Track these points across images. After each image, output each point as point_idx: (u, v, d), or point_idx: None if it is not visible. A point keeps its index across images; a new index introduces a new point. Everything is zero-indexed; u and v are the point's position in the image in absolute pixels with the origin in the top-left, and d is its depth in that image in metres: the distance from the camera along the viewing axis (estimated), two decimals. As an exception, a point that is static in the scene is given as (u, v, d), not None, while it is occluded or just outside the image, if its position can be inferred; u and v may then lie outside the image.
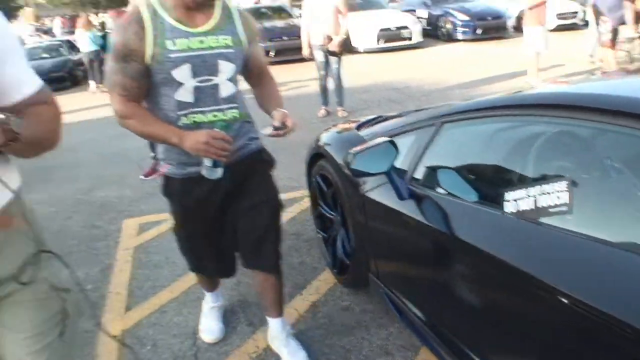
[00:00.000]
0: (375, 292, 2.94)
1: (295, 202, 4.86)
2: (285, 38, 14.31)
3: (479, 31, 15.59)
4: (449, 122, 2.37)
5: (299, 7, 23.14)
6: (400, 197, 2.31)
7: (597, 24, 9.06)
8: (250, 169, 2.45)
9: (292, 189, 5.14)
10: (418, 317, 2.40)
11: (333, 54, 7.67)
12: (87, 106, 11.20)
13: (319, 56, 7.81)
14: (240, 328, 3.10)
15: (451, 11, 16.59)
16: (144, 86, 2.20)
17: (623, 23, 8.45)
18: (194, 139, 2.11)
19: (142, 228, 4.77)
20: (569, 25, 15.86)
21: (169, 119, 2.22)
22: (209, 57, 2.18)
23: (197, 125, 2.21)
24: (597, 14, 8.97)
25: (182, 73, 2.15)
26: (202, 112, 2.23)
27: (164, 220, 4.80)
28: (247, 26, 2.32)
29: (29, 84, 1.48)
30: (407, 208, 2.31)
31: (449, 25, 16.42)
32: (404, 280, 2.62)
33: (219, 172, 2.17)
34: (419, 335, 2.42)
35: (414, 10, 17.94)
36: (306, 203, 4.44)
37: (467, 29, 15.86)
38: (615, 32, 8.63)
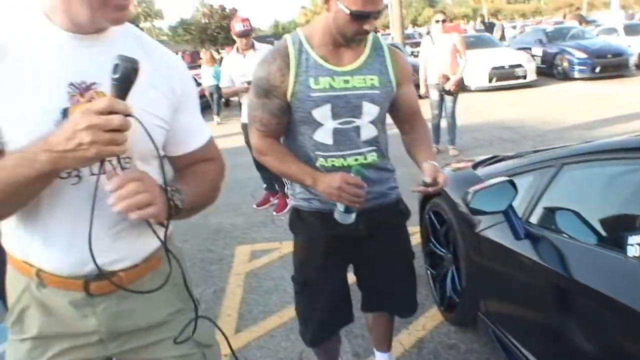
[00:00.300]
0: (483, 331, 2.91)
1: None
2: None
3: (597, 69, 14.93)
4: (570, 163, 2.36)
5: (411, 45, 23.49)
6: (517, 237, 2.31)
7: None
8: (385, 220, 2.29)
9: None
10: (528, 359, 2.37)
11: (449, 92, 7.68)
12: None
13: (434, 95, 7.85)
14: (346, 357, 3.16)
15: (568, 49, 16.04)
16: (284, 123, 2.13)
17: None
18: (327, 183, 2.01)
19: (253, 255, 4.98)
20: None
21: (306, 159, 2.14)
22: (353, 98, 2.05)
23: (334, 168, 2.11)
24: None
25: (322, 113, 2.04)
26: (341, 156, 2.11)
27: (275, 249, 5.00)
28: (398, 65, 2.17)
29: (201, 134, 1.54)
30: (524, 248, 2.30)
31: (565, 64, 15.86)
32: (516, 321, 2.58)
33: (351, 218, 2.06)
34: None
35: (529, 48, 17.54)
36: (416, 239, 4.46)
37: (584, 67, 15.25)
38: None
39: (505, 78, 14.61)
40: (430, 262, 3.69)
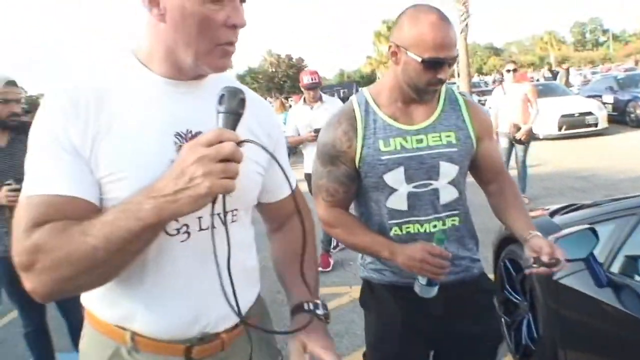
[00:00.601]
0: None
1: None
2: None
3: (672, 117, 14.54)
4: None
5: (477, 93, 23.52)
6: (599, 285, 2.32)
7: None
8: (469, 296, 2.01)
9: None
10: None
11: (520, 142, 7.67)
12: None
13: (504, 143, 7.84)
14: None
15: (641, 96, 15.72)
16: (352, 191, 1.99)
17: None
18: (408, 255, 1.81)
19: (324, 298, 5.03)
20: None
21: (378, 228, 1.98)
22: (428, 158, 1.88)
23: (409, 236, 1.93)
24: None
25: (395, 177, 1.88)
26: (417, 222, 1.92)
27: (345, 293, 5.07)
28: (476, 118, 1.99)
29: (291, 180, 1.41)
30: (606, 296, 2.31)
31: (638, 111, 15.51)
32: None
33: (433, 291, 1.86)
34: None
35: (599, 96, 17.23)
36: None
37: (659, 114, 14.86)
38: None
39: (575, 126, 14.36)
40: (505, 309, 3.68)
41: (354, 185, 1.97)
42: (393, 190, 1.90)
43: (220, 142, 1.03)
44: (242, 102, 1.12)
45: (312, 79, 5.74)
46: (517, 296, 3.49)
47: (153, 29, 1.23)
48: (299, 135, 5.86)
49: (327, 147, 1.95)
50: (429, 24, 1.75)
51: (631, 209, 2.50)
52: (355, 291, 4.94)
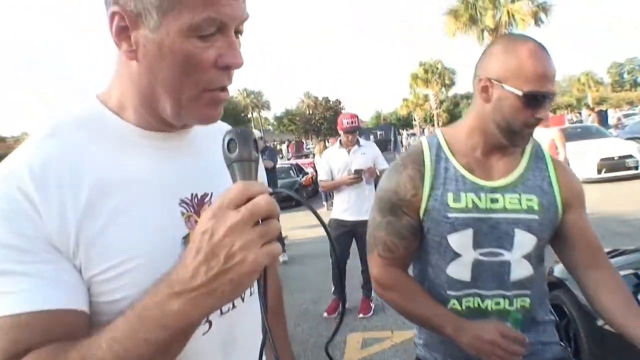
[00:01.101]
0: None
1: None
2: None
3: None
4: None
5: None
6: None
7: None
8: None
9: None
10: None
11: None
12: (316, 224, 12.11)
13: None
14: None
15: (682, 138, 15.52)
16: (413, 247, 1.72)
17: None
18: (477, 335, 1.54)
19: (365, 342, 5.14)
20: None
21: (434, 297, 1.69)
22: (503, 222, 1.61)
23: (470, 312, 1.66)
24: None
25: (461, 240, 1.62)
26: (478, 295, 1.66)
27: (387, 338, 5.12)
28: (565, 183, 1.70)
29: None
30: None
31: (679, 154, 15.30)
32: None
33: None
34: None
35: (639, 138, 17.05)
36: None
37: None
38: None
39: (615, 169, 14.21)
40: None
41: (416, 240, 1.71)
42: (456, 256, 1.64)
43: (249, 199, 0.80)
44: (256, 143, 0.90)
45: (351, 122, 5.75)
46: (561, 342, 3.50)
47: (124, 68, 0.98)
48: (332, 179, 5.86)
49: (388, 193, 1.70)
50: (529, 52, 1.51)
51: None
52: (397, 336, 5.01)
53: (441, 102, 61.11)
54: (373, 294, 6.09)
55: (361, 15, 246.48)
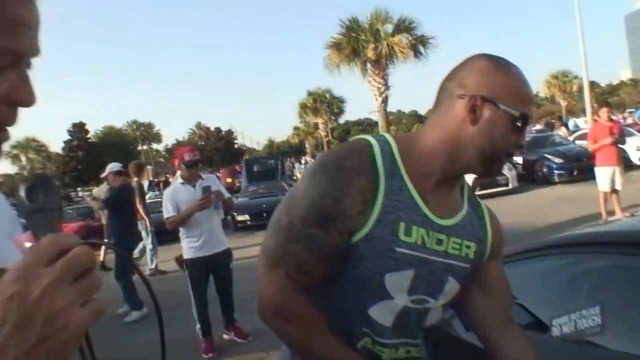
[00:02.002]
0: None
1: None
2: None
3: (575, 172, 15.61)
4: (509, 262, 2.71)
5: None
6: (466, 329, 2.60)
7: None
8: None
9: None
10: None
11: None
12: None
13: None
14: None
15: (546, 155, 16.91)
16: (327, 273, 1.34)
17: None
18: None
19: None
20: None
21: (339, 334, 1.37)
22: (440, 268, 1.39)
23: (377, 358, 1.42)
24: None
25: (398, 281, 1.34)
26: (393, 345, 1.42)
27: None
28: (495, 232, 1.54)
29: None
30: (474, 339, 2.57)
31: (545, 169, 16.64)
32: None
33: None
34: None
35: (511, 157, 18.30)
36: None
37: (562, 171, 16.02)
38: None
39: (488, 187, 15.19)
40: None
41: (335, 266, 1.33)
42: (387, 298, 1.35)
43: (62, 252, 0.66)
44: (59, 190, 0.79)
45: (193, 155, 5.62)
46: None
47: None
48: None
49: (325, 200, 1.28)
50: (519, 73, 1.36)
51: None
52: (272, 356, 5.08)
53: (332, 130, 62.34)
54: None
55: (249, 44, 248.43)
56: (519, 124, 1.32)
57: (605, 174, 9.22)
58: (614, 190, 9.25)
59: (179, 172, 5.76)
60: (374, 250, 1.30)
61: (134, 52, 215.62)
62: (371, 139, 1.38)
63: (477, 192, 14.70)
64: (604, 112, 9.53)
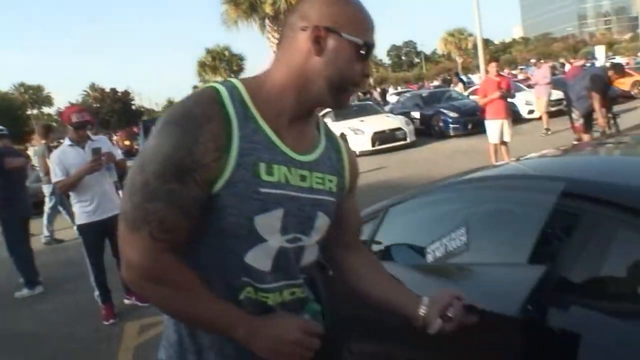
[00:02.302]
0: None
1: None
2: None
3: (469, 126, 16.29)
4: (392, 206, 2.85)
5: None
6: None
7: (571, 111, 9.69)
8: None
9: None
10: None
11: None
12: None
13: None
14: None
15: (442, 110, 17.57)
16: (193, 228, 1.29)
17: (592, 111, 9.03)
18: (277, 336, 1.30)
19: (142, 329, 5.15)
20: (555, 112, 16.35)
21: (220, 288, 1.34)
22: (308, 204, 1.39)
23: (263, 308, 1.37)
24: (569, 102, 9.64)
25: (269, 222, 1.32)
26: (277, 289, 1.39)
27: (163, 322, 5.17)
28: (352, 166, 1.57)
29: None
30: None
31: (441, 123, 17.30)
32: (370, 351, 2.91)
33: None
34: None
35: (408, 112, 18.87)
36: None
37: (458, 125, 16.71)
38: (587, 117, 9.23)
39: (387, 141, 15.66)
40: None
41: (199, 220, 1.29)
42: (260, 241, 1.33)
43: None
44: None
45: (81, 117, 5.39)
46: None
47: None
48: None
49: (178, 152, 1.23)
50: (358, 3, 1.37)
51: (380, 208, 2.96)
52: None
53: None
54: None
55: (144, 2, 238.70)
56: (363, 52, 1.32)
57: (494, 127, 9.67)
58: (503, 142, 9.74)
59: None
60: (237, 195, 1.26)
61: (17, 10, 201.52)
62: (218, 85, 1.34)
63: (377, 147, 15.28)
64: (492, 67, 9.99)
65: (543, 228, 1.90)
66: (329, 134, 1.53)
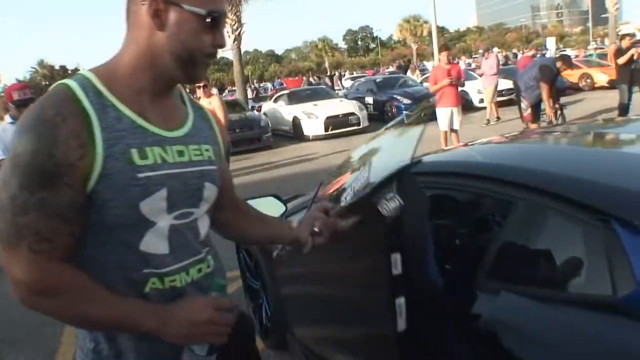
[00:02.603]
0: (293, 350, 3.22)
1: (234, 280, 5.18)
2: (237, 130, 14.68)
3: (422, 113, 16.34)
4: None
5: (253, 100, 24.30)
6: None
7: (520, 101, 9.85)
8: (238, 346, 1.55)
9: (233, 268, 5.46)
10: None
11: None
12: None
13: None
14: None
15: (395, 96, 17.66)
16: (77, 233, 1.24)
17: (541, 101, 9.21)
18: (188, 319, 1.28)
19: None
20: (505, 102, 16.56)
21: (120, 287, 1.29)
22: (192, 177, 1.37)
23: (172, 292, 1.35)
24: (518, 92, 9.80)
25: (154, 205, 1.28)
26: (183, 269, 1.37)
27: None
28: (219, 131, 1.59)
29: None
30: (304, 259, 2.63)
31: (394, 109, 17.37)
32: (315, 332, 2.89)
33: None
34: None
35: (363, 97, 18.92)
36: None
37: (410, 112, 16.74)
38: (535, 107, 9.41)
39: (340, 126, 15.64)
40: (250, 295, 4.00)
41: (82, 222, 1.24)
42: (150, 225, 1.30)
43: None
44: None
45: (23, 94, 5.06)
46: (254, 281, 3.83)
47: None
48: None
49: (37, 157, 1.17)
50: None
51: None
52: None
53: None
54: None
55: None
56: (209, 22, 1.29)
57: (444, 115, 9.76)
58: (453, 130, 9.86)
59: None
60: (115, 186, 1.22)
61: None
62: (68, 81, 1.28)
63: (330, 132, 15.28)
64: (443, 55, 10.07)
65: (474, 215, 1.91)
66: (195, 104, 1.52)
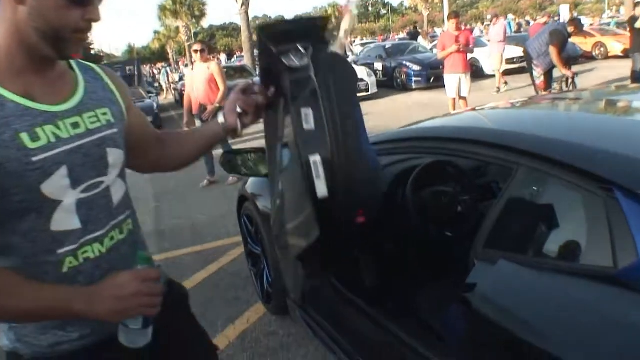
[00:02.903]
0: (294, 315, 3.23)
1: (238, 245, 5.17)
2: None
3: (432, 79, 16.23)
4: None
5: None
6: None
7: (531, 68, 9.69)
8: (176, 316, 1.57)
9: (235, 234, 5.45)
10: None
11: (204, 122, 7.37)
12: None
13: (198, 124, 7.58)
14: None
15: (405, 62, 17.43)
16: None
17: (553, 67, 9.06)
18: (115, 295, 1.25)
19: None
20: (517, 69, 16.43)
21: (40, 272, 1.28)
22: (93, 147, 1.34)
23: (92, 265, 1.35)
24: (529, 59, 9.62)
25: (56, 184, 1.26)
26: (96, 240, 1.35)
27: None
28: (120, 86, 1.52)
29: None
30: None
31: (403, 76, 17.20)
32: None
33: (149, 333, 1.33)
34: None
35: (372, 64, 18.72)
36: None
37: (420, 78, 16.63)
38: (547, 75, 9.26)
39: (348, 93, 15.48)
40: (251, 261, 4.00)
41: None
42: (57, 204, 1.27)
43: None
44: None
45: None
46: (256, 247, 3.82)
47: None
48: None
49: None
50: None
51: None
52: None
53: (195, 35, 59.79)
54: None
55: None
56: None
57: (452, 81, 9.66)
58: (462, 97, 9.72)
59: None
60: (11, 175, 1.18)
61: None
62: None
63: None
64: (452, 23, 9.86)
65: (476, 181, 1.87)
66: (85, 67, 1.45)
